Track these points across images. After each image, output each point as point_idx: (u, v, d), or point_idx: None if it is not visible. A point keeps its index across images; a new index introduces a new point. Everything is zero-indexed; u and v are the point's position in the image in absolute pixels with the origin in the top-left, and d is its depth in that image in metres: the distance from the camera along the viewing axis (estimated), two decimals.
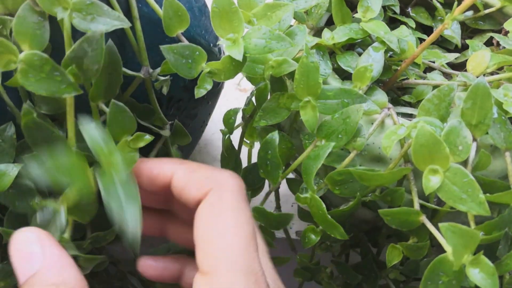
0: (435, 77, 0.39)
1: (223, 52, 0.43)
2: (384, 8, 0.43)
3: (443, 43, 0.46)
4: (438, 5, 0.42)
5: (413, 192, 0.32)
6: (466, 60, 0.39)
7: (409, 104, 0.40)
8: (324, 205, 0.32)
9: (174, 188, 0.30)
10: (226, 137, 0.41)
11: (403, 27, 0.38)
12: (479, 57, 0.37)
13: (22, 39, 0.27)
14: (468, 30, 0.45)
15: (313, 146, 0.34)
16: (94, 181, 0.27)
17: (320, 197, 0.33)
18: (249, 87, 0.62)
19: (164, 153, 0.38)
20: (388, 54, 0.38)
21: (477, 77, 0.35)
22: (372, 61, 0.35)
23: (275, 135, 0.34)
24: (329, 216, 0.32)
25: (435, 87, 0.38)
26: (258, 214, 0.36)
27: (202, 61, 0.32)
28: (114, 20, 0.29)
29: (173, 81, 0.35)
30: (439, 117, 0.31)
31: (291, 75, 0.34)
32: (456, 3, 0.32)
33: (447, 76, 0.41)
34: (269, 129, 0.36)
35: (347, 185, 0.33)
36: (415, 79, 0.38)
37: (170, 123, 0.37)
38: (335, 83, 0.36)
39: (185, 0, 0.37)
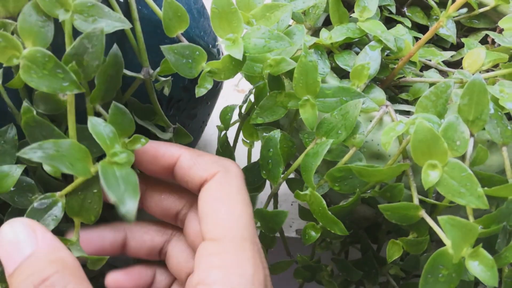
0: (432, 75, 0.39)
1: (222, 53, 0.43)
2: (380, 8, 0.44)
3: (438, 42, 0.46)
4: (433, 3, 0.43)
5: (412, 187, 0.32)
6: (462, 58, 0.39)
7: (406, 102, 0.40)
8: (324, 202, 0.33)
9: (179, 169, 0.32)
10: (222, 133, 0.41)
11: (399, 26, 0.39)
12: (475, 55, 0.37)
13: (26, 36, 0.28)
14: (463, 29, 0.46)
15: (313, 145, 0.34)
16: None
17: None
18: (247, 88, 0.63)
19: None
20: (385, 53, 0.38)
21: (473, 74, 0.36)
22: (369, 59, 0.36)
23: (276, 133, 0.35)
24: (329, 212, 0.33)
25: (431, 84, 0.38)
26: (257, 215, 0.37)
27: (202, 60, 0.32)
28: (115, 22, 0.29)
29: (173, 81, 0.35)
30: (437, 114, 0.32)
31: (289, 74, 0.35)
32: (450, 1, 0.33)
33: (443, 74, 0.41)
34: (270, 128, 0.37)
35: (347, 182, 0.33)
36: (412, 77, 0.39)
37: (173, 127, 0.38)
38: (333, 81, 0.36)
39: (184, 1, 0.38)
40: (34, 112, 0.29)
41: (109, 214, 0.36)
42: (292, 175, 0.42)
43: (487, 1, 0.43)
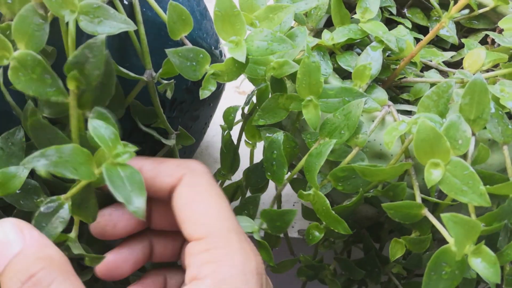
0: (432, 76, 0.40)
1: (224, 55, 0.44)
2: (381, 9, 0.44)
3: (438, 43, 0.47)
4: (435, 4, 0.43)
5: (414, 186, 0.33)
6: (462, 59, 0.40)
7: (407, 102, 0.41)
8: (327, 201, 0.33)
9: (144, 181, 0.31)
10: (226, 132, 0.41)
11: (400, 26, 0.39)
12: (475, 55, 0.38)
13: (20, 38, 0.28)
14: (463, 30, 0.46)
15: (317, 145, 0.34)
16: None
17: None
18: (248, 90, 0.63)
19: (168, 154, 0.39)
20: (386, 54, 0.39)
21: (474, 74, 0.36)
22: (370, 59, 0.36)
23: (279, 135, 0.35)
24: (333, 212, 0.33)
25: (432, 85, 0.38)
26: (264, 216, 0.37)
27: (206, 63, 0.33)
28: (120, 23, 0.29)
29: (176, 83, 0.36)
30: (438, 113, 0.32)
31: (291, 76, 0.35)
32: (452, 2, 0.33)
33: (444, 74, 0.42)
34: (273, 129, 0.37)
35: (350, 181, 0.34)
36: (413, 77, 0.39)
37: (176, 133, 0.38)
38: (335, 82, 0.37)
39: (187, 4, 0.38)
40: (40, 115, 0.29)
41: None
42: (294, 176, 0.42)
43: (486, 2, 0.43)
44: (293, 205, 0.53)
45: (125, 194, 0.26)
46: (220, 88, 0.46)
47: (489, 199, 0.28)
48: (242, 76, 0.37)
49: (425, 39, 0.35)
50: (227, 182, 0.43)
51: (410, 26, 0.44)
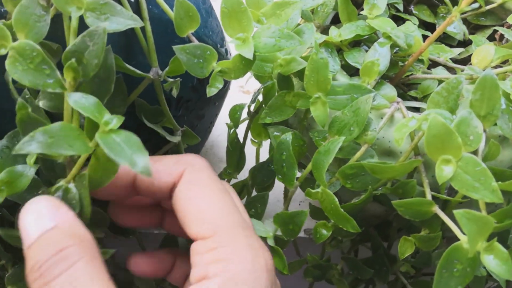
0: (440, 72, 0.39)
1: (230, 53, 0.44)
2: (388, 6, 0.44)
3: (445, 40, 0.46)
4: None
5: (424, 183, 0.32)
6: (468, 56, 0.40)
7: (415, 100, 0.40)
8: (336, 199, 0.33)
9: (140, 182, 0.31)
10: (232, 131, 0.41)
11: (408, 22, 0.39)
12: (484, 51, 0.37)
13: (20, 28, 0.27)
14: (470, 26, 0.46)
15: (326, 142, 0.34)
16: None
17: None
18: (252, 89, 0.63)
19: (174, 152, 0.39)
20: (394, 50, 0.38)
21: (483, 70, 0.36)
22: (378, 55, 0.36)
23: (288, 136, 0.35)
24: (342, 210, 0.33)
25: (440, 81, 0.38)
26: (277, 221, 0.36)
27: (213, 60, 0.32)
28: (127, 20, 0.29)
29: (182, 82, 0.35)
30: (448, 109, 0.32)
31: (298, 73, 0.35)
32: None
33: (451, 71, 0.41)
34: (280, 128, 0.37)
35: (359, 179, 0.33)
36: (422, 73, 0.39)
37: (181, 130, 0.38)
38: (343, 79, 0.36)
39: (192, 1, 0.38)
40: (29, 109, 0.29)
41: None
42: (299, 174, 0.42)
43: None
44: (299, 204, 0.52)
45: (127, 158, 0.25)
46: (225, 87, 0.46)
47: None
48: (247, 76, 0.37)
49: (434, 34, 0.35)
50: (233, 181, 0.43)
51: (417, 23, 0.44)
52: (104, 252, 0.32)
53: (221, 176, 0.43)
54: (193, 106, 0.41)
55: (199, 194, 0.30)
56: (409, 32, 0.37)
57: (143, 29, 0.33)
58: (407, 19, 0.43)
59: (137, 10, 0.33)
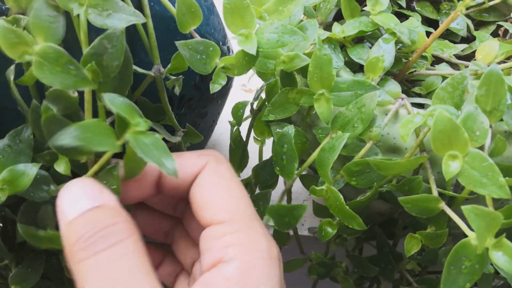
0: (444, 68, 0.39)
1: (232, 51, 0.43)
2: (390, 2, 0.43)
3: (448, 36, 0.46)
4: None
5: (430, 180, 0.32)
6: (472, 52, 0.39)
7: (419, 96, 0.40)
8: (341, 196, 0.32)
9: (166, 178, 0.31)
10: (235, 129, 0.41)
11: (412, 18, 0.39)
12: (488, 47, 0.37)
13: (38, 32, 0.27)
14: (473, 23, 0.46)
15: (329, 139, 0.34)
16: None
17: None
18: (254, 87, 0.63)
19: (175, 151, 0.39)
20: (398, 46, 0.38)
21: (488, 66, 0.35)
22: (383, 52, 0.35)
23: (290, 129, 0.35)
24: (347, 207, 0.32)
25: (445, 78, 0.38)
26: (271, 212, 0.36)
27: (216, 56, 0.32)
28: (130, 16, 0.29)
29: (184, 79, 0.35)
30: (454, 105, 0.31)
31: (301, 70, 0.35)
32: None
33: (455, 67, 0.41)
34: (283, 124, 0.36)
35: (364, 176, 0.33)
36: (426, 70, 0.38)
37: (182, 130, 0.38)
38: (347, 75, 0.36)
39: None
40: (55, 111, 0.29)
41: None
42: (304, 172, 0.41)
43: None
44: (303, 202, 0.52)
45: (156, 159, 0.26)
46: (228, 85, 0.46)
47: None
48: (250, 74, 0.37)
49: (439, 29, 0.34)
50: None
51: (419, 19, 0.43)
52: None
53: None
54: (195, 104, 0.41)
55: (219, 183, 0.30)
56: (413, 28, 0.37)
57: (145, 26, 0.33)
58: (410, 16, 0.43)
59: (139, 6, 0.33)
